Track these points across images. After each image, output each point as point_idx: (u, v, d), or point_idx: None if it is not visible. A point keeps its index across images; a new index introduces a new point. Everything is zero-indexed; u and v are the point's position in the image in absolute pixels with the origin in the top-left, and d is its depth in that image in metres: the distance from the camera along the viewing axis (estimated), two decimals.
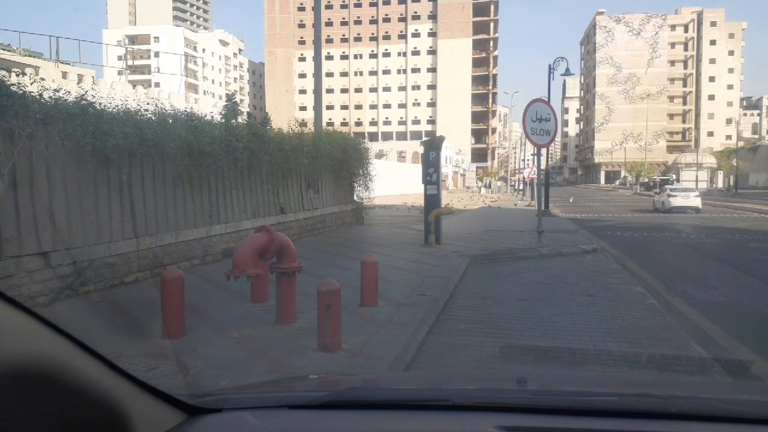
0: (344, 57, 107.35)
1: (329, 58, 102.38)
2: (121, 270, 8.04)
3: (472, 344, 5.72)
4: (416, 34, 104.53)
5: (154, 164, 8.74)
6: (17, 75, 6.80)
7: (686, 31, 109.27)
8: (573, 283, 9.06)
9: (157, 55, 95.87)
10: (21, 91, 6.31)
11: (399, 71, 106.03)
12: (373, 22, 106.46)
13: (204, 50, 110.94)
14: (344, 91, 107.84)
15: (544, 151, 17.60)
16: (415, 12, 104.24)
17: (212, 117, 10.68)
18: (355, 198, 18.27)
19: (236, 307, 6.77)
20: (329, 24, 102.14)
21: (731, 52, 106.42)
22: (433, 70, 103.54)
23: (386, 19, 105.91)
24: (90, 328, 5.91)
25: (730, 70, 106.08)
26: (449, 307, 7.36)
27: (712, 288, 9.05)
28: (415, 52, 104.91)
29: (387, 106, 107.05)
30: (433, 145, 13.57)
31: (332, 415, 1.45)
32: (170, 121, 9.00)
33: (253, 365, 4.79)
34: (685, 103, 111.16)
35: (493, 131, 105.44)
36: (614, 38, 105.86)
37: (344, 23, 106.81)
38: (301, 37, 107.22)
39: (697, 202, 27.51)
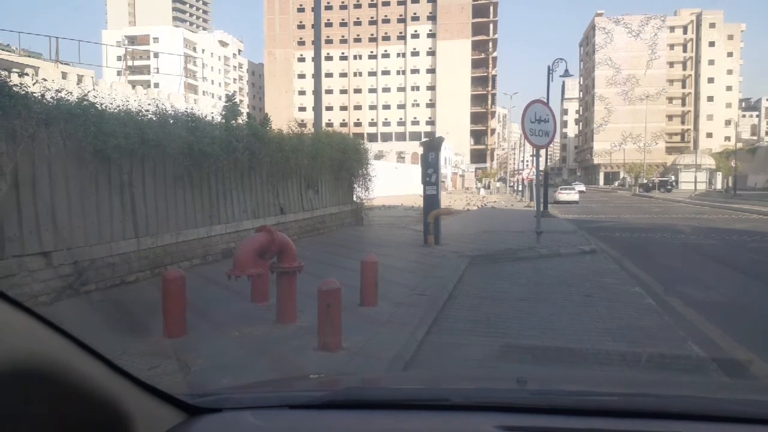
0: (343, 58, 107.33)
1: (329, 58, 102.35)
2: (122, 270, 8.06)
3: (471, 344, 5.75)
4: (415, 35, 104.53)
5: (154, 164, 8.77)
6: (19, 75, 6.82)
7: (685, 32, 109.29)
8: (571, 284, 9.09)
9: (156, 55, 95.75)
10: (23, 92, 6.34)
11: (398, 72, 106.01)
12: (373, 23, 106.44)
13: (203, 51, 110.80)
14: (343, 91, 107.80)
15: (543, 152, 17.64)
16: (415, 13, 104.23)
17: (212, 117, 10.70)
18: (355, 198, 18.29)
19: (237, 306, 6.80)
20: (329, 25, 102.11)
21: (730, 54, 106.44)
22: (432, 71, 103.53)
23: (385, 20, 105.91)
24: (91, 327, 5.93)
25: (729, 72, 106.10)
26: (448, 306, 7.39)
27: (710, 288, 9.07)
28: (415, 53, 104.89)
29: (386, 107, 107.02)
30: (432, 146, 13.61)
31: (332, 415, 1.46)
32: (171, 121, 9.02)
33: (254, 364, 4.82)
34: (684, 105, 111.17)
35: (492, 132, 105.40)
36: (613, 39, 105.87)
37: (344, 24, 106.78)
38: (301, 38, 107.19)
39: (575, 197, 39.34)
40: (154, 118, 8.70)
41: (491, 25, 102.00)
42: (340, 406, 1.51)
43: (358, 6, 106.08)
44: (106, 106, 7.71)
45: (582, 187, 56.77)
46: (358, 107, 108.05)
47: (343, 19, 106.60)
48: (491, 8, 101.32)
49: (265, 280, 6.37)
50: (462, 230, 17.26)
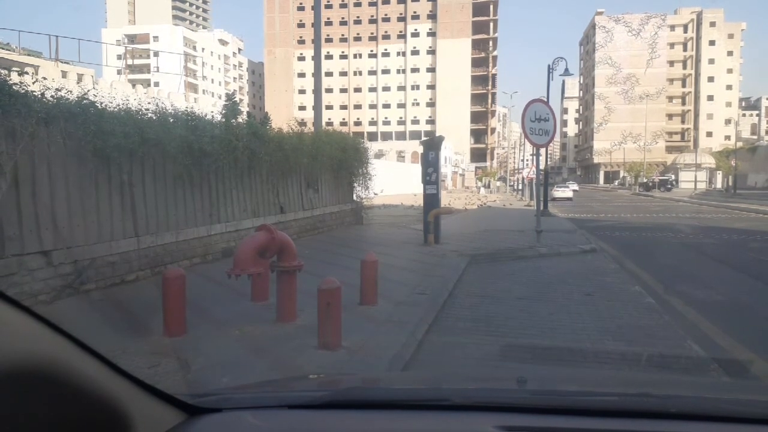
0: (343, 56, 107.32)
1: (328, 57, 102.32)
2: (122, 268, 8.06)
3: (471, 343, 5.76)
4: (415, 34, 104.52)
5: (154, 163, 8.77)
6: (19, 74, 6.82)
7: (685, 31, 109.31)
8: (571, 283, 9.09)
9: (156, 54, 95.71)
10: (23, 91, 6.34)
11: (398, 71, 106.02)
12: (373, 21, 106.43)
13: (203, 49, 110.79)
14: (343, 90, 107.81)
15: (543, 151, 17.63)
16: (415, 12, 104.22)
17: (212, 116, 10.70)
18: (355, 198, 18.29)
19: (237, 305, 6.80)
20: (329, 23, 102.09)
21: (730, 53, 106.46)
22: (432, 70, 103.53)
23: (385, 19, 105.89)
24: (91, 326, 5.93)
25: (729, 71, 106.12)
26: (448, 305, 7.39)
27: (710, 287, 9.07)
28: (415, 52, 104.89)
29: (386, 105, 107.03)
30: (432, 145, 13.60)
31: (332, 415, 1.45)
32: (171, 120, 9.02)
33: (254, 363, 4.82)
34: (684, 104, 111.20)
35: (492, 131, 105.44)
36: (613, 38, 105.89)
37: (343, 23, 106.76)
38: (301, 37, 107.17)
39: (569, 194, 43.04)
40: (154, 117, 8.70)
41: (491, 24, 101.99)
42: (340, 406, 1.51)
43: (358, 5, 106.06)
44: (105, 105, 7.71)
45: (575, 187, 60.98)
46: (358, 106, 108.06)
47: (343, 18, 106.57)
48: (491, 7, 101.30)
49: (265, 278, 6.37)
50: (462, 229, 17.26)
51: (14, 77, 6.46)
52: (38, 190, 6.68)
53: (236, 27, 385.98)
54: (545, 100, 16.37)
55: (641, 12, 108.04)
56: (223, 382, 4.22)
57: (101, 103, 7.62)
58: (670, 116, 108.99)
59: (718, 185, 76.04)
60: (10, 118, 6.10)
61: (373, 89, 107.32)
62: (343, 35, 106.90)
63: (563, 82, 28.53)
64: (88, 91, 7.60)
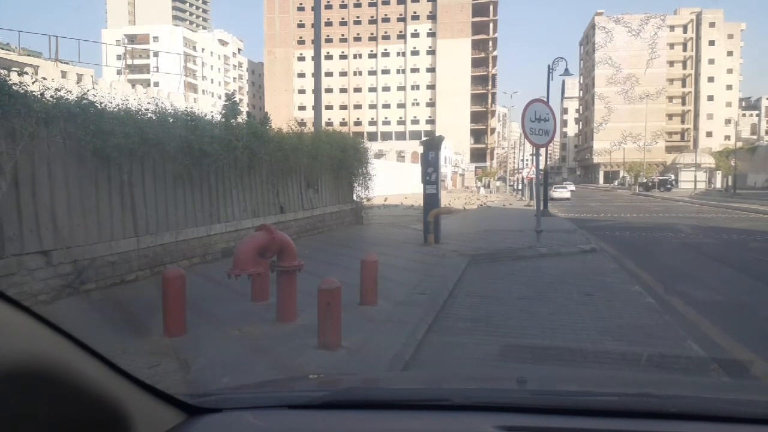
0: (343, 57, 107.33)
1: (328, 57, 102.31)
2: (122, 268, 8.06)
3: (471, 343, 5.75)
4: (415, 34, 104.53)
5: (154, 163, 8.77)
6: (18, 74, 6.81)
7: (685, 31, 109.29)
8: (571, 283, 9.09)
9: (156, 54, 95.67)
10: (23, 91, 6.34)
11: (398, 71, 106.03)
12: (373, 22, 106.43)
13: (203, 50, 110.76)
14: (343, 90, 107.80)
15: (543, 150, 17.63)
16: (415, 12, 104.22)
17: (212, 116, 10.70)
18: (355, 197, 18.29)
19: (237, 305, 6.80)
20: (329, 24, 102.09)
21: (730, 53, 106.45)
22: (432, 70, 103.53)
23: (385, 19, 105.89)
24: (91, 326, 5.93)
25: (729, 71, 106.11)
26: (448, 305, 7.39)
27: (710, 288, 9.07)
28: (415, 52, 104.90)
29: (386, 105, 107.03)
30: (432, 144, 13.60)
31: (332, 415, 1.45)
32: (171, 120, 9.02)
33: (254, 363, 4.82)
34: (684, 104, 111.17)
35: (492, 131, 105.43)
36: (613, 39, 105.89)
37: (343, 23, 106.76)
38: (301, 37, 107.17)
39: (567, 194, 44.63)
40: (154, 117, 8.70)
41: (491, 24, 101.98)
42: (340, 406, 1.51)
43: (358, 5, 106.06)
44: (105, 105, 7.71)
45: (572, 187, 62.90)
46: (358, 106, 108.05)
47: (343, 18, 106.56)
48: (491, 7, 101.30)
49: (265, 278, 6.37)
50: (462, 229, 17.27)
51: (14, 77, 6.46)
52: (38, 190, 6.68)
53: (236, 27, 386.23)
54: (545, 100, 16.37)
55: (641, 12, 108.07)
56: (223, 382, 4.22)
57: (101, 103, 7.62)
58: (670, 116, 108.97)
59: (718, 185, 76.01)
60: (10, 118, 6.10)
61: (373, 89, 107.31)
62: (343, 35, 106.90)
63: (563, 82, 28.58)
64: (88, 91, 7.60)
